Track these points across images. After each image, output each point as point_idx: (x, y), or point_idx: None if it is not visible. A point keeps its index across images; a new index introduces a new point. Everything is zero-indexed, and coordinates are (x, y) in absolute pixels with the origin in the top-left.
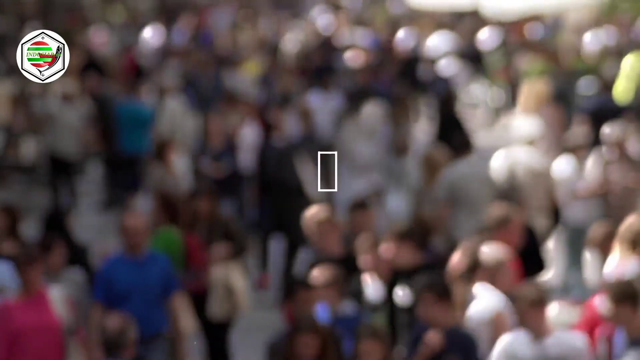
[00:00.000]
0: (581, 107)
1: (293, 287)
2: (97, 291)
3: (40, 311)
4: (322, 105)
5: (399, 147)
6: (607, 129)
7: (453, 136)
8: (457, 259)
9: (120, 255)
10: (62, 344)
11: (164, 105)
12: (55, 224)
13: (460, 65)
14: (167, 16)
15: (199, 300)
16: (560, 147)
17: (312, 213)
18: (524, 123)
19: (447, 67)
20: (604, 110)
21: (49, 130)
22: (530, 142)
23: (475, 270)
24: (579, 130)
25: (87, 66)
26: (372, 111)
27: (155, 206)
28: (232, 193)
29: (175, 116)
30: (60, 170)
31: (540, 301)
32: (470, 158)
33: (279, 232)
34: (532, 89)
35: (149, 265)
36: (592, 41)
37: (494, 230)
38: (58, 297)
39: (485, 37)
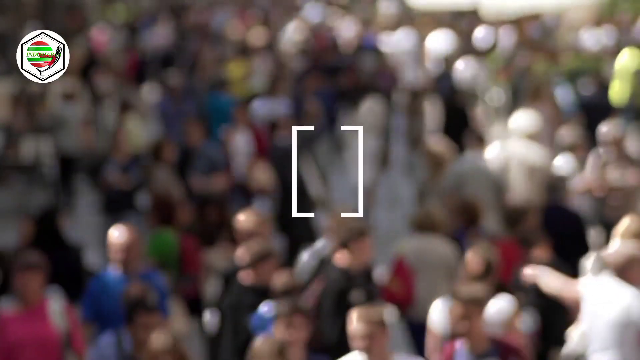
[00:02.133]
0: (579, 106)
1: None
2: (85, 311)
3: (38, 323)
4: (268, 112)
5: (414, 140)
6: (603, 128)
7: (461, 131)
8: (471, 261)
9: (111, 271)
10: (60, 356)
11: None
12: (47, 223)
13: (462, 64)
14: (168, 16)
15: (196, 304)
16: (556, 143)
17: (244, 218)
18: (521, 117)
19: (450, 65)
20: (602, 110)
21: (55, 130)
22: (528, 136)
23: (489, 272)
24: (577, 129)
25: (88, 66)
26: (370, 107)
27: (151, 208)
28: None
29: (135, 126)
30: (65, 169)
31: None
32: (477, 153)
33: (280, 231)
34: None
35: (143, 282)
36: (591, 40)
37: (513, 225)
38: (57, 307)
39: (485, 37)
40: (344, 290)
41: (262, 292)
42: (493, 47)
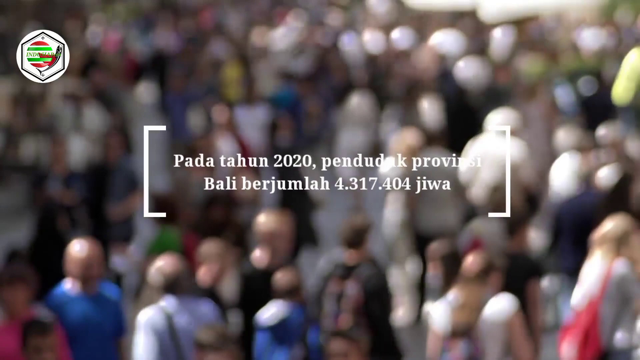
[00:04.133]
0: (580, 106)
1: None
2: None
3: (20, 337)
4: (247, 118)
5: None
6: (601, 131)
7: (467, 130)
8: (471, 261)
9: (69, 289)
10: None
11: (81, 114)
12: (48, 224)
13: (463, 64)
14: (168, 15)
15: None
16: (557, 143)
17: (265, 219)
18: (499, 115)
19: (452, 65)
20: (602, 110)
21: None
22: (504, 133)
23: (489, 272)
24: (578, 129)
25: (88, 66)
26: (358, 102)
27: (154, 207)
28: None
29: (95, 125)
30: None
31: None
32: (438, 150)
33: None
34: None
35: (102, 301)
36: (591, 41)
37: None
38: None
39: (484, 37)
40: (385, 287)
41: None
42: (492, 47)
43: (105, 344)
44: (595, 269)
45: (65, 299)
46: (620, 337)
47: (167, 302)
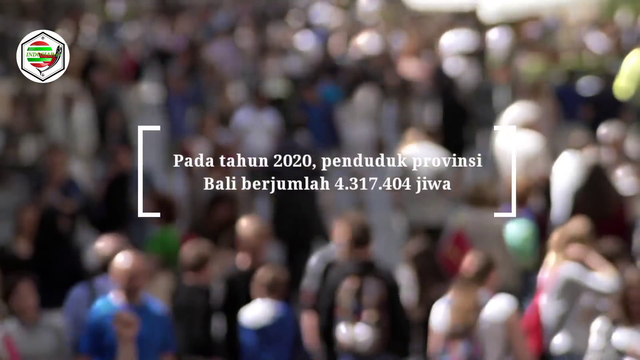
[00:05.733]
0: (584, 105)
1: None
2: (84, 343)
3: None
4: (255, 122)
5: (404, 127)
6: (603, 130)
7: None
8: (468, 262)
9: (113, 300)
10: None
11: (70, 114)
12: (49, 223)
13: (460, 63)
14: (167, 15)
15: None
16: (561, 141)
17: (246, 224)
18: (516, 108)
19: (452, 65)
20: (603, 109)
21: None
22: (523, 126)
23: (487, 273)
24: (582, 128)
25: (88, 66)
26: (365, 95)
27: (154, 207)
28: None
29: (83, 126)
30: None
31: None
32: (425, 145)
33: (278, 234)
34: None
35: (147, 313)
36: (592, 40)
37: None
38: None
39: (485, 37)
40: (399, 284)
41: (206, 293)
42: (493, 47)
43: (150, 357)
44: (547, 271)
45: (108, 310)
46: (561, 341)
47: (104, 281)
